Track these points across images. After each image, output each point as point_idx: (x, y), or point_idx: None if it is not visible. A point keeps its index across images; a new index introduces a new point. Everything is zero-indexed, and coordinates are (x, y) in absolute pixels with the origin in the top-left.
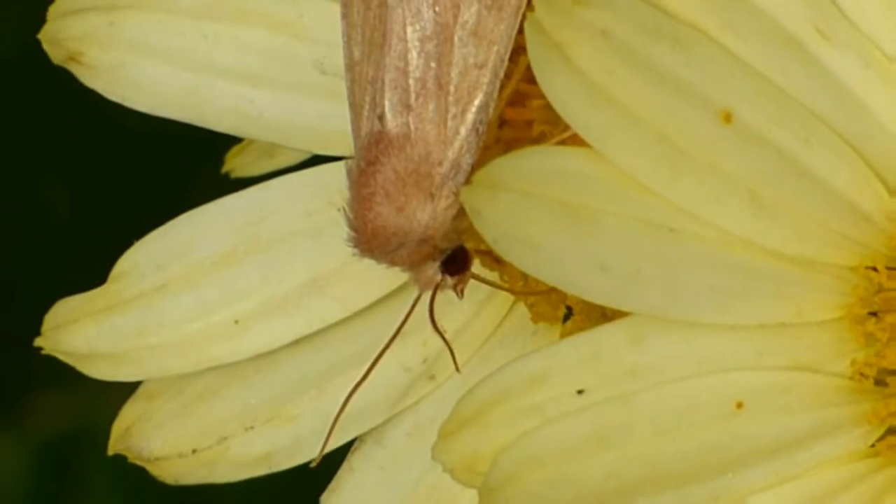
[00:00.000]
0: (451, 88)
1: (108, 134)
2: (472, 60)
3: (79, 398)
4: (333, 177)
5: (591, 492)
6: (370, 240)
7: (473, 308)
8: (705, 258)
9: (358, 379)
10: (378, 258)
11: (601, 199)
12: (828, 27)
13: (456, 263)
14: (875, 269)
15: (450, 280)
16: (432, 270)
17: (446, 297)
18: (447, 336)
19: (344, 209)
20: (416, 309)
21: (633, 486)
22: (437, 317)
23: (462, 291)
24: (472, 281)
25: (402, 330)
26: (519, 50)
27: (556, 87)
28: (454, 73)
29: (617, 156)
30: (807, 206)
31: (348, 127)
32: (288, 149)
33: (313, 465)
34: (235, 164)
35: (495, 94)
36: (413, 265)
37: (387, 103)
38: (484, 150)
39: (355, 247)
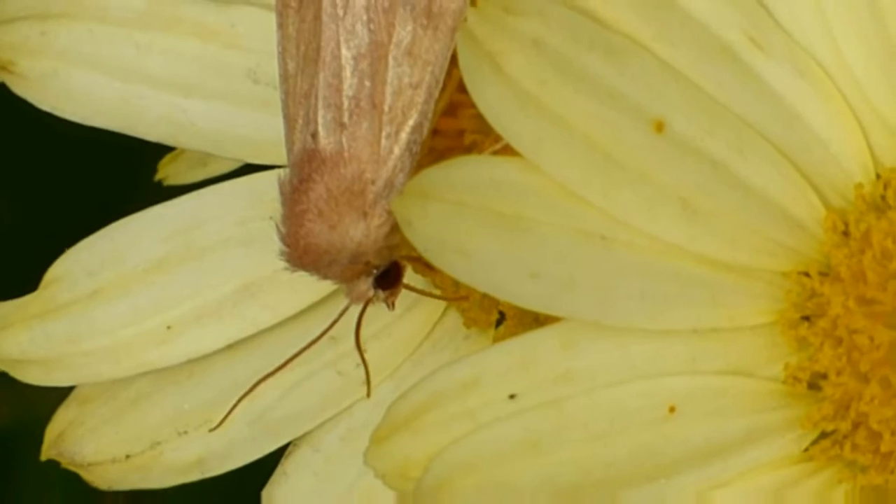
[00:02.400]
0: (386, 108)
1: (46, 141)
2: (406, 80)
3: (18, 393)
4: (266, 185)
5: (525, 497)
6: (302, 256)
7: (404, 311)
8: (638, 265)
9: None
10: (310, 272)
11: (533, 209)
12: (762, 37)
13: (388, 279)
14: (808, 274)
15: (381, 294)
16: (365, 286)
17: (376, 305)
18: (380, 338)
19: (277, 225)
20: (350, 314)
21: (566, 491)
22: (368, 320)
23: (393, 304)
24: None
25: (336, 335)
26: (453, 61)
27: (488, 96)
28: (388, 91)
29: (549, 165)
30: (740, 215)
31: (281, 136)
32: (220, 158)
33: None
34: (169, 172)
35: (430, 114)
36: (345, 280)
37: (320, 120)
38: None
39: (287, 261)
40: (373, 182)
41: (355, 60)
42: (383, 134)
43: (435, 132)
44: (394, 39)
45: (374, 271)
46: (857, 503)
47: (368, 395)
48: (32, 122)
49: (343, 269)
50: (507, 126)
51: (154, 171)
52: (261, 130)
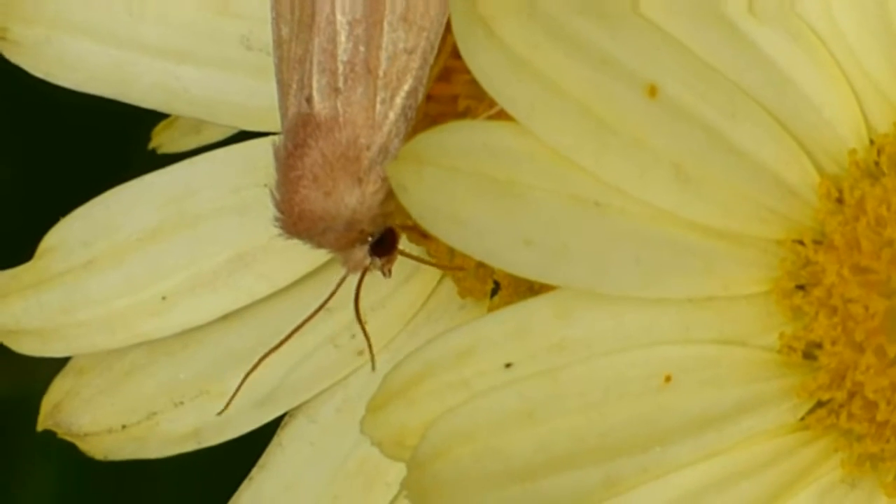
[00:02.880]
0: (381, 73)
1: (40, 109)
2: (401, 45)
3: (14, 364)
4: (260, 153)
5: (520, 465)
6: (297, 222)
7: (400, 282)
8: (631, 232)
9: (272, 347)
10: (304, 240)
11: (527, 174)
12: (756, 2)
13: (384, 246)
14: (802, 242)
15: (378, 261)
16: (361, 253)
17: (372, 273)
18: (375, 309)
19: (271, 191)
20: (345, 284)
21: (561, 459)
22: (363, 292)
23: (389, 271)
24: (398, 256)
25: (331, 306)
26: (447, 27)
27: (481, 61)
28: (383, 57)
29: (542, 130)
30: (733, 181)
31: (275, 103)
32: (214, 125)
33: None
34: (163, 139)
35: (425, 80)
36: (340, 248)
37: (315, 85)
38: None
39: (281, 228)
40: (368, 147)
41: (350, 26)
42: (378, 99)
43: (429, 98)
44: (389, 5)
45: (370, 239)
46: (852, 472)
47: (373, 367)
48: (26, 90)
49: (338, 236)
50: (500, 91)
51: (148, 138)
52: (254, 97)
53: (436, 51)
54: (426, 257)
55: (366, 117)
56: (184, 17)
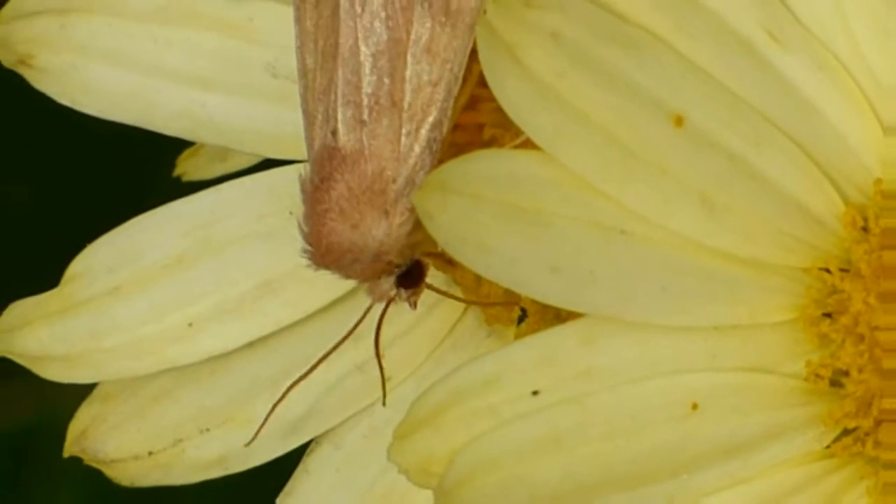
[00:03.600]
0: (405, 105)
1: (67, 134)
2: (426, 77)
3: (39, 390)
4: (286, 181)
5: (546, 493)
6: (325, 255)
7: (427, 310)
8: (657, 260)
9: (300, 376)
10: (332, 272)
11: (553, 202)
12: (780, 30)
13: (411, 278)
14: (828, 270)
15: (404, 293)
16: (388, 285)
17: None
18: (402, 337)
19: (299, 224)
20: (371, 312)
21: (587, 487)
22: (388, 320)
23: (415, 304)
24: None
25: (358, 333)
26: (473, 56)
27: (508, 89)
28: (408, 89)
29: (568, 158)
30: (758, 209)
31: (300, 131)
32: (239, 152)
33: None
34: (188, 167)
35: (449, 112)
36: (367, 279)
37: (340, 118)
38: None
39: (310, 260)
40: (394, 180)
41: (374, 58)
42: (403, 131)
43: (455, 126)
44: (412, 37)
45: (397, 270)
46: (878, 500)
47: (384, 402)
48: (52, 116)
49: (365, 268)
50: (526, 119)
51: (173, 166)
52: (280, 125)
53: (460, 82)
54: (452, 284)
55: (391, 150)
56: (209, 45)
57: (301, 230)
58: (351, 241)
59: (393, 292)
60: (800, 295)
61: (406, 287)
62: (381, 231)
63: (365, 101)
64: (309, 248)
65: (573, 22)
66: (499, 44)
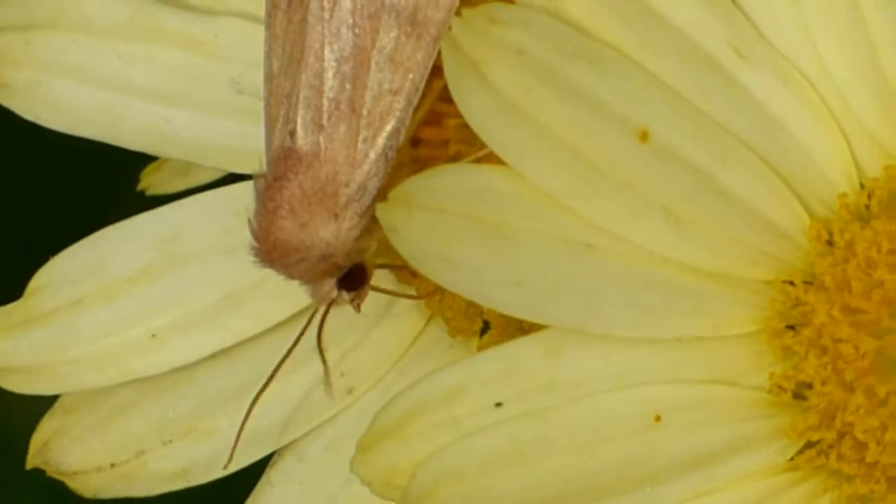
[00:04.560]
0: (364, 112)
1: (30, 149)
2: (386, 86)
3: (1, 400)
4: (248, 195)
5: None
6: (271, 251)
7: (390, 320)
8: (621, 273)
9: (260, 388)
10: (277, 270)
11: (517, 217)
12: (744, 46)
13: (353, 280)
14: (792, 283)
15: (346, 296)
16: (329, 286)
17: (363, 312)
18: (364, 347)
19: (249, 220)
20: (333, 324)
21: (550, 500)
22: (351, 329)
23: (359, 306)
24: (387, 296)
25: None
26: (435, 71)
27: (473, 105)
28: (368, 96)
29: (533, 174)
30: (724, 223)
31: (263, 146)
32: (203, 167)
33: (225, 468)
34: (151, 181)
35: (407, 121)
36: (311, 280)
37: (299, 120)
38: (399, 168)
39: (257, 257)
40: (346, 184)
41: (338, 63)
42: (360, 138)
43: (419, 142)
44: (377, 45)
45: (339, 273)
46: None
47: (330, 394)
48: (16, 131)
49: (311, 267)
50: (491, 134)
51: (137, 180)
52: (244, 140)
53: (420, 92)
54: (411, 294)
55: (347, 155)
56: (174, 61)
57: (250, 226)
58: (298, 240)
59: (334, 293)
60: (764, 307)
61: (348, 290)
62: (328, 233)
63: (325, 106)
64: (256, 244)
65: (538, 38)
66: (464, 60)
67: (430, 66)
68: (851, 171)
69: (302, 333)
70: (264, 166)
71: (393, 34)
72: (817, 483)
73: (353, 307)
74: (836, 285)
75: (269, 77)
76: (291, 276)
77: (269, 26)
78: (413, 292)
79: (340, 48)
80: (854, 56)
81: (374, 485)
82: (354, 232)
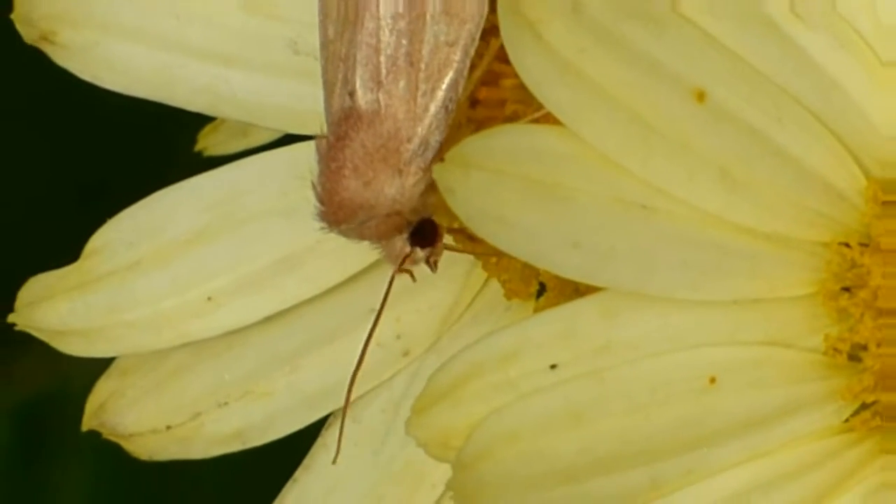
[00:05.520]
0: (422, 66)
1: (88, 110)
2: (442, 38)
3: (57, 362)
4: (306, 156)
5: (564, 467)
6: (336, 212)
7: (446, 284)
8: (678, 235)
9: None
10: (346, 233)
11: (574, 177)
12: (803, 8)
13: (424, 235)
14: (848, 245)
15: (420, 253)
16: (401, 242)
17: (419, 274)
18: (420, 310)
19: (312, 183)
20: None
21: (606, 461)
22: (408, 293)
23: (435, 264)
24: (442, 261)
25: (375, 306)
26: (492, 30)
27: (529, 65)
28: (425, 50)
29: (589, 133)
30: (779, 184)
31: (321, 107)
32: (261, 128)
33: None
34: (208, 142)
35: (465, 72)
36: (381, 237)
37: (358, 80)
38: (457, 128)
39: (322, 220)
40: (408, 140)
41: (393, 20)
42: (419, 92)
43: (476, 102)
44: None
45: (409, 228)
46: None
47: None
48: (74, 91)
49: (378, 225)
50: (547, 94)
51: (194, 141)
52: (301, 100)
53: (476, 43)
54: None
55: (407, 110)
56: (231, 21)
57: (314, 189)
58: (363, 198)
59: (407, 249)
60: (819, 269)
61: (421, 246)
62: (393, 189)
63: (383, 63)
64: (321, 206)
65: None
66: (520, 19)
67: (485, 14)
68: None
69: (387, 293)
70: (324, 129)
71: None
72: (872, 445)
73: (430, 266)
74: (892, 247)
75: (325, 44)
76: (362, 237)
77: None
78: (477, 265)
79: (395, 4)
80: None
81: (429, 446)
82: (419, 187)
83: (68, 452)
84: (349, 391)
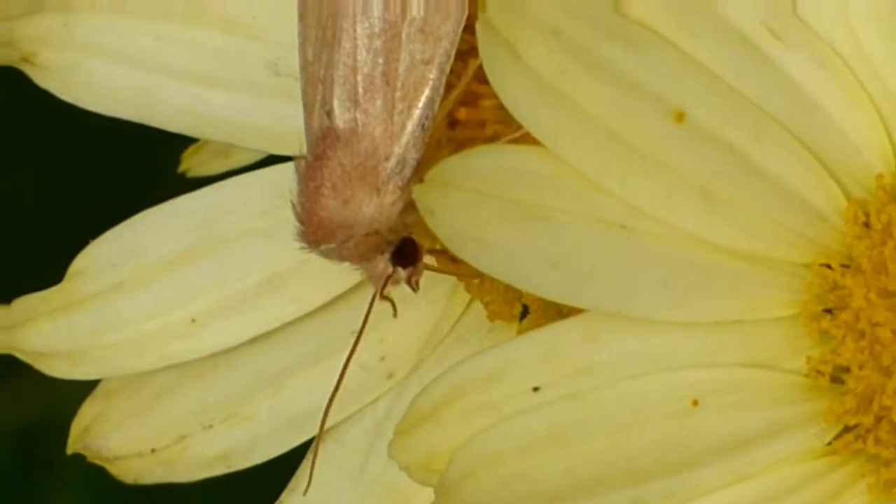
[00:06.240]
0: (398, 84)
1: (69, 132)
2: (418, 56)
3: (43, 386)
4: (288, 176)
5: (547, 489)
6: (316, 231)
7: (429, 305)
8: (658, 255)
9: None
10: (327, 253)
11: (553, 198)
12: (781, 27)
13: (405, 255)
14: (829, 266)
15: (402, 272)
16: (383, 263)
17: (402, 296)
18: (403, 332)
19: (292, 203)
20: (377, 307)
21: (588, 483)
22: (390, 318)
23: (417, 284)
24: (425, 282)
25: (358, 328)
26: (471, 51)
27: (508, 85)
28: (401, 69)
29: (569, 154)
30: (760, 204)
31: (302, 127)
32: (243, 149)
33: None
34: (192, 163)
35: (441, 90)
36: (362, 258)
37: (335, 100)
38: (436, 149)
39: (303, 240)
40: (386, 158)
41: (369, 39)
42: (396, 110)
43: (456, 122)
44: (407, 17)
45: (390, 248)
46: (879, 497)
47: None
48: (56, 112)
49: (357, 244)
50: (526, 115)
51: (177, 162)
52: (282, 121)
53: (451, 60)
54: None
55: (384, 129)
56: (211, 42)
57: (293, 209)
58: (342, 217)
59: (390, 269)
60: (801, 290)
61: (403, 266)
62: (372, 208)
63: (360, 82)
64: (301, 226)
65: (574, 18)
66: (499, 40)
67: (459, 32)
68: (888, 152)
69: (368, 314)
70: (304, 150)
71: (422, 4)
72: (855, 468)
73: (411, 285)
74: (873, 268)
75: (305, 66)
76: (342, 258)
77: (301, 17)
78: (457, 280)
79: (371, 24)
80: (891, 37)
81: (411, 469)
82: (398, 206)
83: (61, 475)
84: (325, 414)
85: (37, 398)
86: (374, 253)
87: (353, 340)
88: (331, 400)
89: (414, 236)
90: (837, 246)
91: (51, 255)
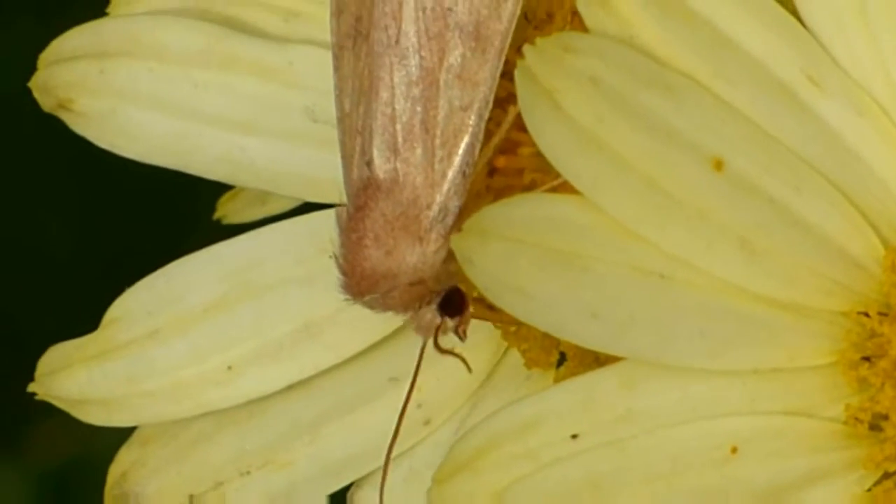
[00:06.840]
0: (438, 132)
1: (106, 179)
2: (457, 103)
3: (78, 427)
4: (325, 224)
5: None
6: (359, 282)
7: (467, 353)
8: (696, 304)
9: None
10: (371, 304)
11: (592, 247)
12: (819, 75)
13: (453, 305)
14: (867, 314)
15: (450, 322)
16: (431, 314)
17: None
18: (441, 379)
19: (334, 255)
20: (411, 357)
21: None
22: (428, 363)
23: (464, 333)
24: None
25: (397, 375)
26: (510, 98)
27: (547, 134)
28: (440, 116)
29: (607, 203)
30: (798, 253)
31: (339, 174)
32: (279, 196)
33: None
34: (227, 210)
35: (481, 136)
36: (407, 307)
37: (375, 150)
38: (475, 197)
39: (346, 291)
40: (428, 206)
41: (407, 87)
42: (436, 158)
43: (494, 171)
44: (444, 64)
45: (436, 298)
46: None
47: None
48: (92, 160)
49: (402, 294)
50: (565, 163)
51: (213, 209)
52: (319, 168)
53: (490, 106)
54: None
55: (425, 177)
56: (248, 89)
57: (336, 261)
58: (386, 268)
59: (437, 320)
60: (839, 339)
61: (450, 315)
62: (415, 257)
63: (399, 131)
64: (344, 277)
65: (612, 67)
66: (538, 89)
67: (497, 77)
68: None
69: (419, 364)
70: (342, 197)
71: (458, 51)
72: None
73: (459, 335)
74: None
75: (342, 118)
76: (387, 308)
77: (337, 69)
78: (496, 333)
79: (408, 73)
80: None
81: None
82: (441, 254)
83: None
84: (387, 462)
85: (72, 440)
86: (418, 302)
87: (390, 387)
88: (390, 448)
89: (460, 285)
90: (875, 294)
91: (86, 302)
